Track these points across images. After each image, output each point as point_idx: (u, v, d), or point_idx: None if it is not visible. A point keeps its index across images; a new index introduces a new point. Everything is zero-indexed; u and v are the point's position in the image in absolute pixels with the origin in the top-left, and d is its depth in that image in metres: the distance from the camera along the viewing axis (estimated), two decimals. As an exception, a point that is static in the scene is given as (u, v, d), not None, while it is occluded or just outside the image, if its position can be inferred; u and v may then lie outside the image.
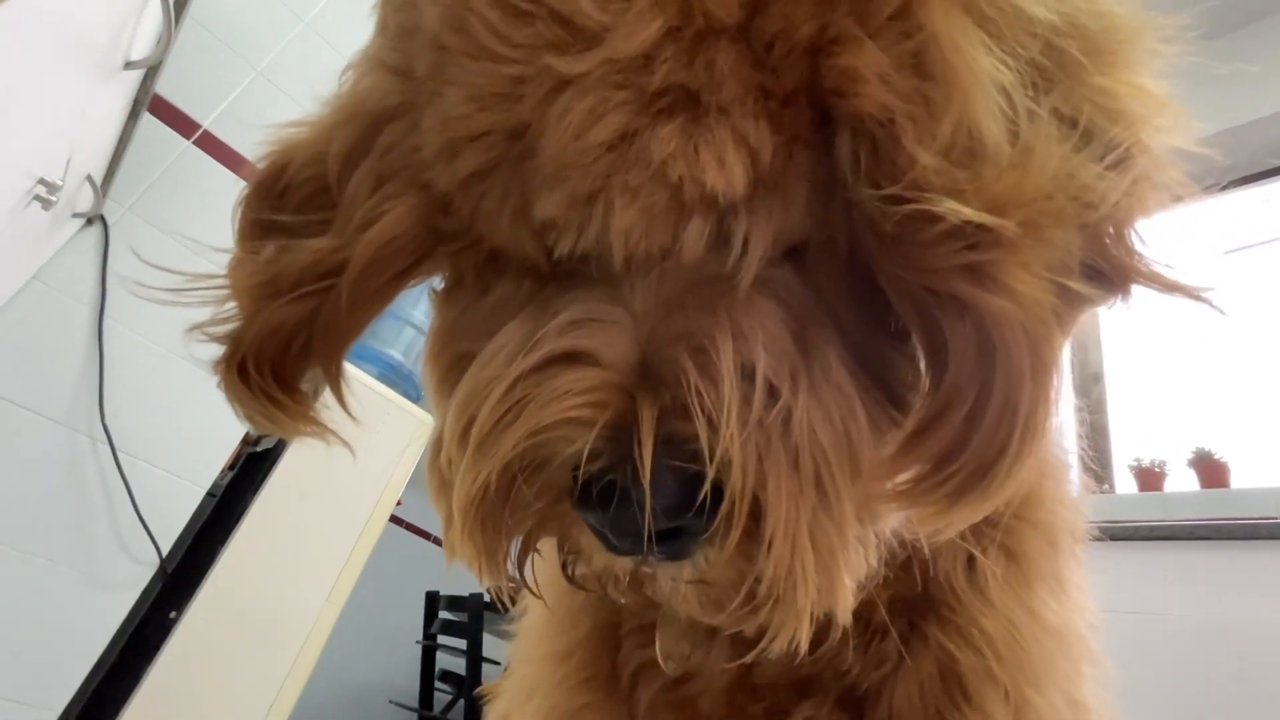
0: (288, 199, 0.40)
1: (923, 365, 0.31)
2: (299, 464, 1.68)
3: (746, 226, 0.31)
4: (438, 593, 2.81)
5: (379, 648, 3.12)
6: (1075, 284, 0.28)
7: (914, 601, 0.44)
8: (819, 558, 0.30)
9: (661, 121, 0.28)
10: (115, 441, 1.44)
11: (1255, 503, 1.67)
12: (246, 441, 1.73)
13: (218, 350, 0.40)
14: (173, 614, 1.52)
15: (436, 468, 0.36)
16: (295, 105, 1.69)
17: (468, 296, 0.39)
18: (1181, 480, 1.89)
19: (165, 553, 1.49)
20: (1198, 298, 0.31)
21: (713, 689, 0.47)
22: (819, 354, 0.31)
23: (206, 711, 1.51)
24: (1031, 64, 0.28)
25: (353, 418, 0.43)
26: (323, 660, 1.71)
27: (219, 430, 1.58)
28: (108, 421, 1.44)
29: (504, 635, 0.65)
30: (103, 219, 1.47)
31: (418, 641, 2.86)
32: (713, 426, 0.28)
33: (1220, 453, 1.83)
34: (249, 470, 1.75)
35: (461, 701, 2.67)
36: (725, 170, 0.28)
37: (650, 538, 0.29)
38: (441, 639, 2.75)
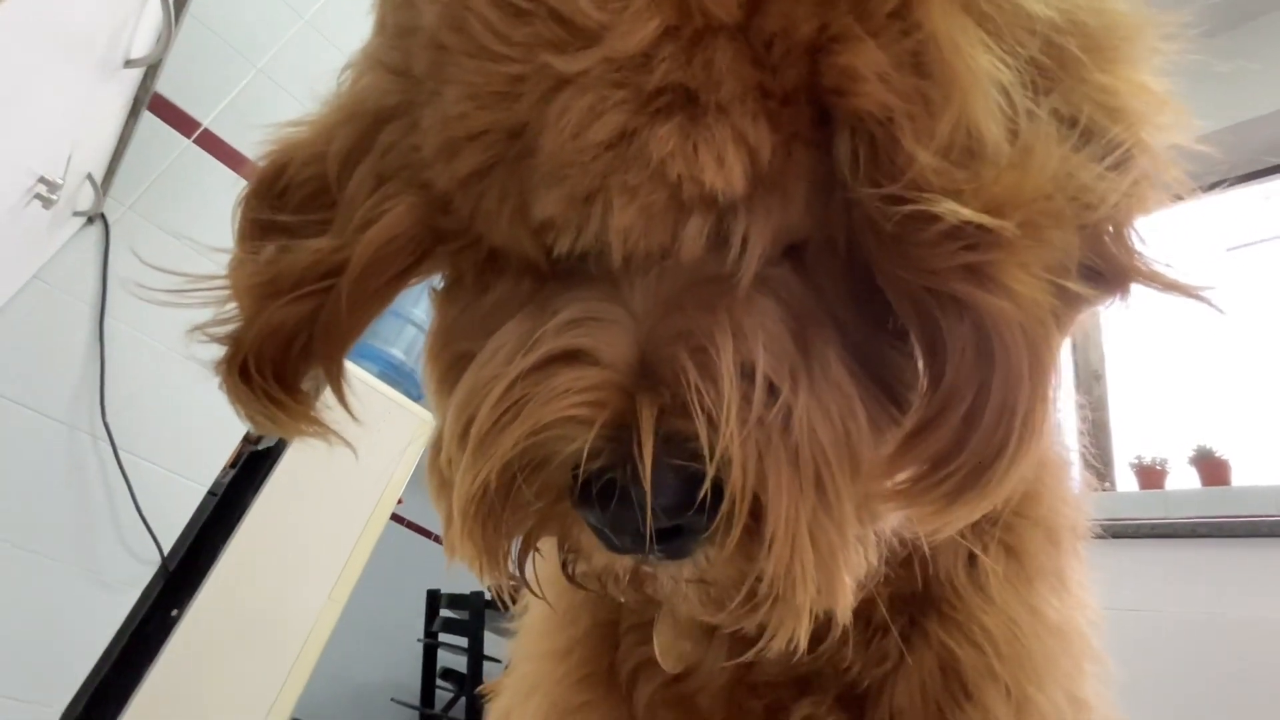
0: (287, 199, 0.40)
1: (921, 365, 0.31)
2: (300, 462, 1.68)
3: (745, 225, 0.31)
4: (439, 591, 2.81)
5: (380, 646, 3.13)
6: (1074, 284, 0.28)
7: (915, 599, 0.44)
8: (819, 556, 0.30)
9: (660, 120, 0.28)
10: (117, 440, 1.45)
11: (1256, 500, 1.67)
12: (248, 440, 1.74)
13: (219, 351, 0.40)
14: (174, 612, 1.52)
15: (436, 467, 0.36)
16: (295, 103, 1.69)
17: (467, 296, 0.39)
18: (1183, 478, 1.89)
19: (167, 551, 1.50)
20: (1197, 297, 0.31)
21: (712, 686, 0.47)
22: (818, 353, 0.31)
23: (208, 709, 1.51)
24: (1031, 62, 0.28)
25: (354, 418, 0.43)
26: (324, 658, 1.72)
27: (220, 428, 1.58)
28: (109, 420, 1.44)
29: (505, 633, 0.65)
30: (103, 217, 1.48)
31: (419, 639, 2.86)
32: (713, 425, 0.28)
33: (1221, 450, 1.83)
34: (250, 469, 1.75)
35: (463, 699, 2.68)
36: (724, 169, 0.28)
37: (650, 536, 0.29)
38: (443, 637, 2.76)
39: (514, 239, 0.35)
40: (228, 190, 1.51)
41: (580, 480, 0.30)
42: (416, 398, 1.95)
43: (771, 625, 0.32)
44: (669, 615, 0.45)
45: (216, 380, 0.40)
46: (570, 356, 0.31)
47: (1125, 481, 2.01)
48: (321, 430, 0.43)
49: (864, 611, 0.40)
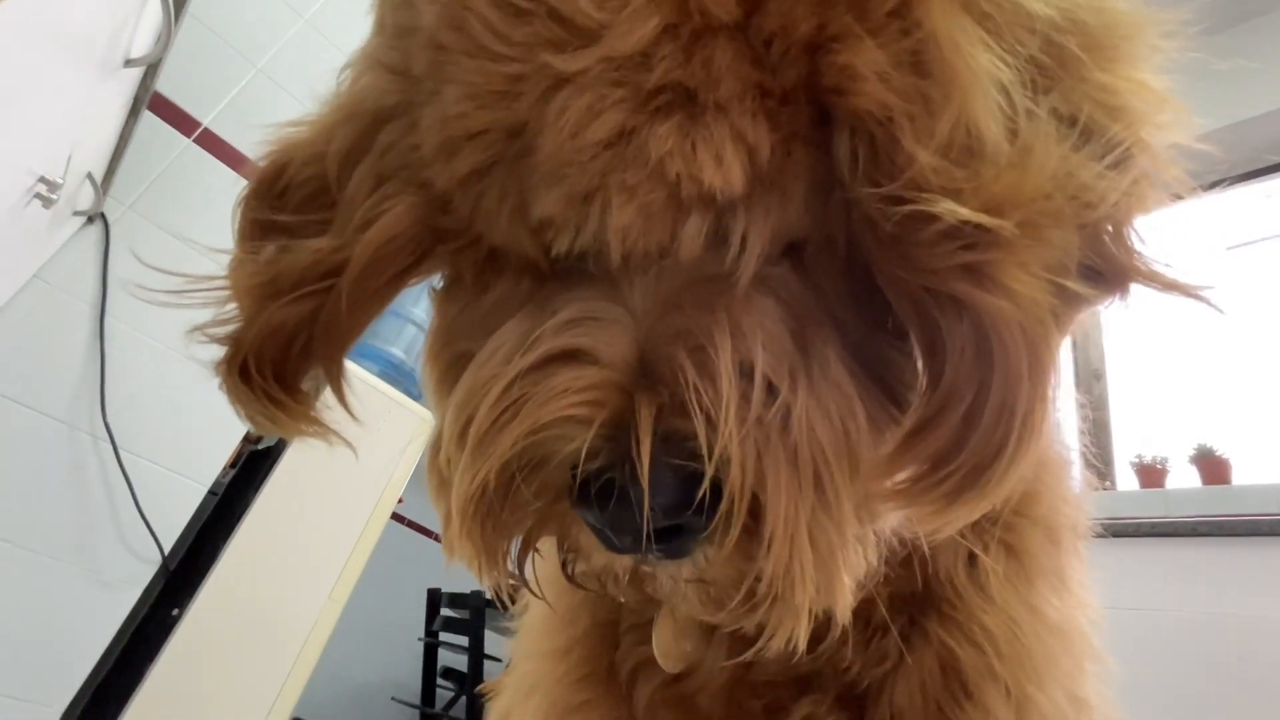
0: (287, 199, 0.40)
1: (920, 364, 0.31)
2: (300, 462, 1.68)
3: (745, 224, 0.31)
4: (439, 590, 2.81)
5: (381, 645, 3.13)
6: (1073, 284, 0.28)
7: (914, 598, 0.44)
8: (818, 556, 0.30)
9: (659, 119, 0.28)
10: (117, 439, 1.45)
11: (1257, 499, 1.67)
12: (248, 439, 1.74)
13: (219, 351, 0.40)
14: (175, 611, 1.52)
15: (436, 467, 0.36)
16: (295, 102, 1.69)
17: (467, 295, 0.39)
18: (1183, 477, 1.89)
19: (167, 550, 1.50)
20: (1197, 296, 0.31)
21: (711, 686, 0.46)
22: (818, 352, 0.31)
23: (209, 708, 1.51)
24: (1031, 61, 0.28)
25: (354, 417, 0.43)
26: (325, 657, 1.72)
27: (221, 428, 1.58)
28: (109, 419, 1.44)
29: (505, 632, 0.65)
30: (103, 217, 1.47)
31: (419, 638, 2.87)
32: (711, 424, 0.28)
33: (1222, 449, 1.83)
34: (251, 468, 1.75)
35: (463, 698, 2.68)
36: (723, 168, 0.28)
37: (649, 536, 0.29)
38: (443, 636, 2.76)
39: (513, 238, 0.35)
40: (228, 190, 1.51)
41: (579, 480, 0.30)
42: (417, 397, 1.95)
43: (771, 625, 0.32)
44: (668, 615, 0.45)
45: (216, 380, 0.40)
46: (569, 356, 0.31)
47: (1126, 480, 2.01)
48: (321, 430, 0.43)
49: (864, 611, 0.40)
